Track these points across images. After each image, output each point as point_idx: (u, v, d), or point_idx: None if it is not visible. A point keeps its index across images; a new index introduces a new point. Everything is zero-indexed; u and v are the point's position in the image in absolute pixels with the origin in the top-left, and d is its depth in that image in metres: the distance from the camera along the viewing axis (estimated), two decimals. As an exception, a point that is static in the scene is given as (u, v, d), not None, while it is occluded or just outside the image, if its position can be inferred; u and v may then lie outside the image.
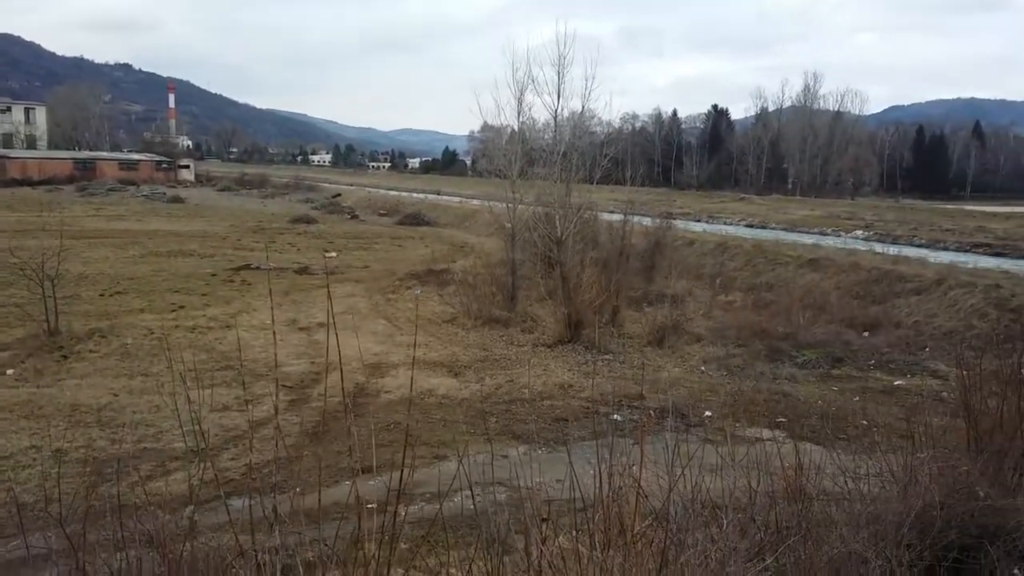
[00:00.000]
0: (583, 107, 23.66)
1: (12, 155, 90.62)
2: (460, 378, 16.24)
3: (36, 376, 15.19)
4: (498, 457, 9.34)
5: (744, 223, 46.61)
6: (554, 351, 18.70)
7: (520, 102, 23.30)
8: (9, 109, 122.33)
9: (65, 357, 16.50)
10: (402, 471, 3.48)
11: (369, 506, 3.71)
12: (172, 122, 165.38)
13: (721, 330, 20.13)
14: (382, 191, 78.80)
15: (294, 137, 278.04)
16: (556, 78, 22.47)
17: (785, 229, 41.66)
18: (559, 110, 23.01)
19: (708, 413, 13.21)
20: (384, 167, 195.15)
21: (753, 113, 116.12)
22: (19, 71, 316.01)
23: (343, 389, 12.23)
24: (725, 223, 46.33)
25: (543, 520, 4.06)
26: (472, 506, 4.03)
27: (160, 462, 11.14)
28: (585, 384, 15.71)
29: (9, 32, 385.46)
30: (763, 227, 43.81)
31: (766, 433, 11.06)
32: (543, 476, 4.97)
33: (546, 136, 26.68)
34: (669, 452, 4.10)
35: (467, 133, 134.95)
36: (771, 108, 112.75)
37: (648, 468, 3.95)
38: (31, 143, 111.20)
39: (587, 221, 25.47)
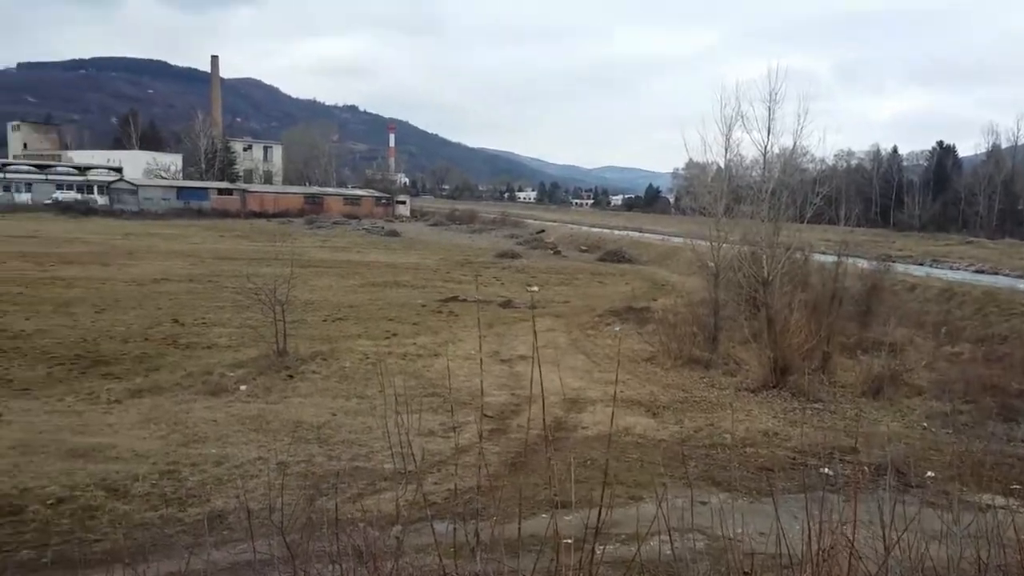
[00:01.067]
0: (794, 143, 22.85)
1: (252, 189, 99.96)
2: (658, 418, 16.01)
3: (265, 393, 16.56)
4: (697, 503, 9.13)
5: (972, 268, 42.90)
6: (758, 396, 18.03)
7: (728, 138, 22.85)
8: (251, 147, 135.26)
9: (291, 377, 17.88)
10: (600, 509, 3.51)
11: (566, 541, 3.75)
12: (392, 160, 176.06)
13: (946, 384, 18.57)
14: (584, 227, 79.66)
15: (502, 174, 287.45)
16: (766, 114, 21.85)
17: (1021, 276, 37.98)
18: (769, 146, 22.33)
19: (930, 474, 12.19)
20: (587, 204, 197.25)
21: (984, 150, 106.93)
22: (260, 113, 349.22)
23: (543, 422, 12.39)
24: (950, 268, 42.87)
25: (745, 574, 3.92)
26: (670, 551, 3.97)
27: (371, 480, 11.75)
28: (791, 433, 15.01)
29: (252, 77, 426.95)
30: (995, 273, 40.12)
31: (998, 500, 10.05)
32: (745, 527, 4.80)
33: (754, 173, 25.98)
34: (885, 513, 3.85)
35: (671, 170, 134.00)
36: (1004, 144, 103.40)
37: (862, 528, 3.73)
38: (268, 179, 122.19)
39: (796, 261, 24.48)
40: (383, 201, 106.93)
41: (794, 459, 13.23)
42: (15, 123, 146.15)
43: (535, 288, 35.50)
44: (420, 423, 13.91)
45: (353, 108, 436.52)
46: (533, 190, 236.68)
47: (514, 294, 32.35)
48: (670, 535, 4.10)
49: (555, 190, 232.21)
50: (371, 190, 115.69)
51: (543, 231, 78.41)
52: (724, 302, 23.51)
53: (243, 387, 16.82)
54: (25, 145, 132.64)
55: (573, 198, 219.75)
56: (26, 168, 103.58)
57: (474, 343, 21.79)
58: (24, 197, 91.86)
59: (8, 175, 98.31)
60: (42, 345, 20.11)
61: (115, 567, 7.27)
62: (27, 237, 51.35)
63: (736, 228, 23.26)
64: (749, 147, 23.27)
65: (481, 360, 18.53)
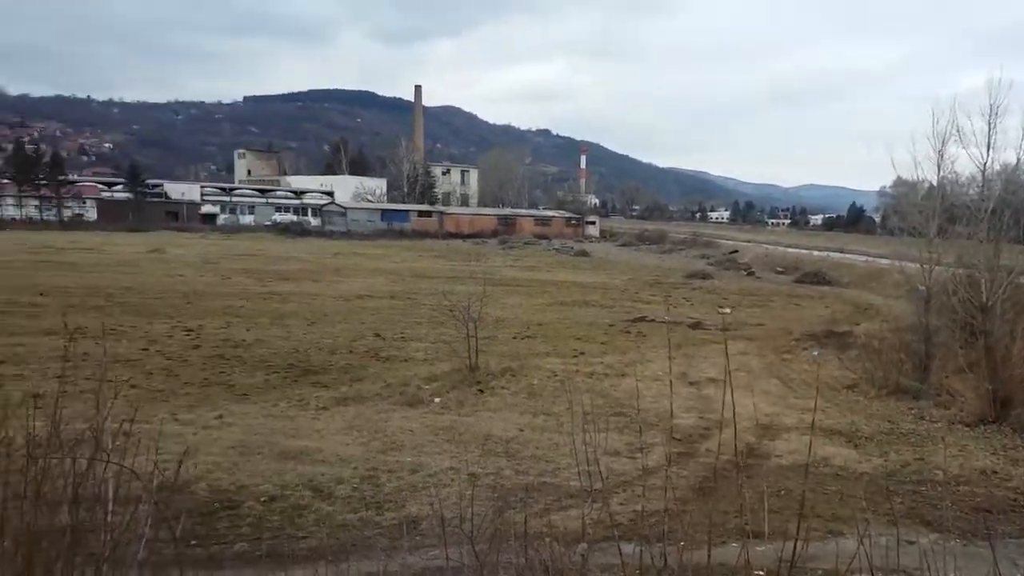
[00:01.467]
0: (1018, 159, 20.91)
1: (449, 211, 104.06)
2: (860, 450, 15.07)
3: (458, 406, 17.12)
4: (903, 542, 8.51)
5: None
6: (974, 431, 16.56)
7: (941, 155, 21.25)
8: (449, 171, 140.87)
9: (481, 391, 18.38)
10: (796, 541, 3.36)
11: (758, 573, 3.61)
12: (582, 181, 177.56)
13: None
14: (780, 248, 76.65)
15: (693, 194, 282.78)
16: (986, 128, 20.14)
17: None
18: (988, 163, 20.57)
19: None
20: (783, 224, 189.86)
21: None
22: (458, 138, 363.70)
23: (735, 447, 12.05)
24: None
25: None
26: (873, 591, 3.73)
27: (557, 496, 11.84)
28: (1013, 472, 13.66)
29: (452, 104, 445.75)
30: None
31: None
32: (958, 571, 4.43)
33: (970, 191, 23.98)
34: None
35: (876, 188, 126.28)
36: None
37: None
38: (464, 201, 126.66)
39: (1021, 286, 22.34)
40: (573, 221, 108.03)
41: (1015, 500, 12.05)
42: (241, 151, 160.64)
43: (727, 310, 34.53)
44: (606, 442, 13.92)
45: (546, 132, 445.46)
46: (726, 210, 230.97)
47: (704, 315, 31.63)
48: (872, 574, 3.85)
49: (749, 210, 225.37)
50: (561, 211, 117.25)
51: (736, 251, 76.29)
52: (936, 328, 21.81)
53: (437, 399, 17.47)
54: (249, 171, 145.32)
55: (769, 218, 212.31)
56: (250, 192, 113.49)
57: (662, 364, 21.48)
58: (248, 219, 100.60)
59: (234, 198, 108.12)
60: (260, 354, 21.84)
61: (320, 563, 7.77)
62: (250, 255, 56.16)
63: (950, 249, 21.56)
64: (965, 164, 21.51)
65: (671, 382, 18.27)
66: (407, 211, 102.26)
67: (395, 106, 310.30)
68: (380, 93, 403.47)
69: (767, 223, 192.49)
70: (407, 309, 31.53)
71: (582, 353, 23.33)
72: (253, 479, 12.34)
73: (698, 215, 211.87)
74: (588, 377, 20.19)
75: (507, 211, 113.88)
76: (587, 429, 9.88)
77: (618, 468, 13.09)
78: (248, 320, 27.31)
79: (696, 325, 29.09)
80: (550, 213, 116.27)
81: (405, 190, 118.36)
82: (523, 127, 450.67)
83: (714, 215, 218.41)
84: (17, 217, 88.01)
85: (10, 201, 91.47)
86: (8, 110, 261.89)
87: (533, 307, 33.47)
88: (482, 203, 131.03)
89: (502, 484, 12.29)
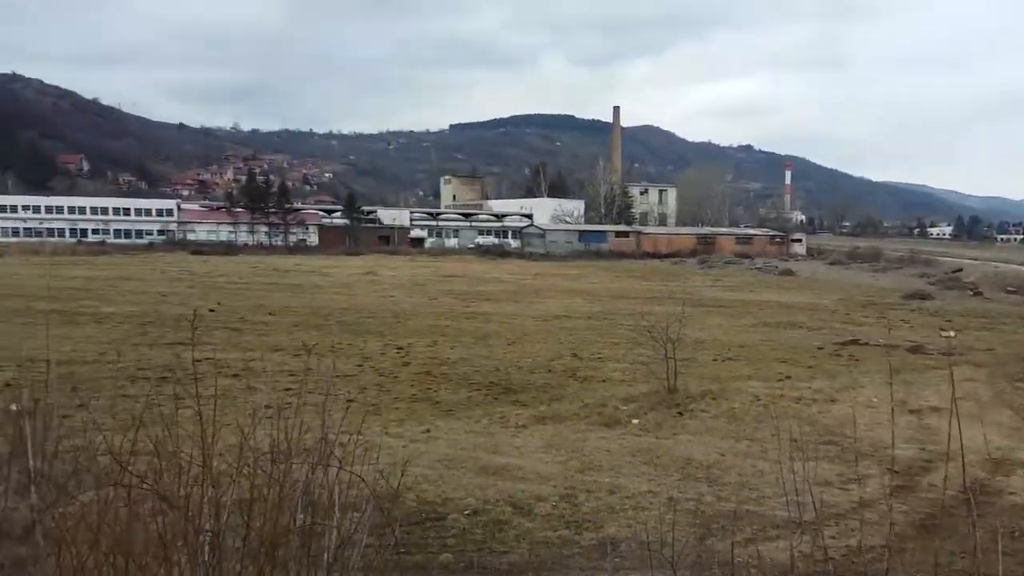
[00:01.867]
0: None
1: (646, 231, 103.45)
2: (1117, 492, 13.39)
3: (656, 428, 16.90)
4: None
5: None
6: None
7: None
8: (647, 191, 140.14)
9: (680, 414, 18.04)
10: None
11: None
12: (787, 198, 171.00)
13: None
14: (1013, 266, 69.90)
15: (912, 209, 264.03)
16: None
17: None
18: None
19: None
20: (1016, 239, 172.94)
21: None
22: (656, 157, 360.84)
23: (964, 482, 11.08)
24: None
25: None
26: None
27: (761, 527, 11.39)
28: None
29: (650, 124, 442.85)
30: None
31: None
32: None
33: None
34: None
35: None
36: None
37: None
38: (662, 220, 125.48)
39: None
40: (777, 239, 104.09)
41: None
42: (447, 177, 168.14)
43: (951, 333, 31.87)
44: (815, 471, 13.24)
45: (748, 147, 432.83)
46: (948, 225, 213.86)
47: (925, 338, 29.37)
48: None
49: (974, 225, 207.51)
50: (764, 228, 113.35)
51: (960, 270, 70.39)
52: None
53: (635, 421, 17.34)
54: (454, 196, 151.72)
55: (998, 233, 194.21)
56: (454, 216, 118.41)
57: (876, 390, 20.16)
58: (452, 242, 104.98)
59: (440, 222, 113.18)
60: (463, 372, 22.64)
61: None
62: (454, 277, 58.52)
63: None
64: None
65: (892, 410, 17.17)
66: (604, 232, 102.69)
67: (593, 128, 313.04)
68: (579, 116, 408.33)
69: (996, 239, 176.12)
70: (604, 329, 31.58)
71: (787, 377, 22.34)
72: (457, 492, 12.77)
73: (916, 231, 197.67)
74: (795, 402, 19.30)
75: (706, 230, 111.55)
76: (794, 456, 9.49)
77: (829, 499, 12.40)
78: (453, 339, 28.40)
79: (916, 349, 27.07)
80: (752, 231, 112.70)
81: (602, 211, 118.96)
82: (723, 143, 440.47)
83: (934, 231, 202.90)
84: (249, 242, 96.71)
85: (244, 228, 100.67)
86: (242, 144, 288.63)
87: (734, 328, 32.50)
88: (680, 222, 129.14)
89: (703, 510, 11.99)
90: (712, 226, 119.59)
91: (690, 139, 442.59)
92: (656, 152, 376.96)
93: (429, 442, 15.68)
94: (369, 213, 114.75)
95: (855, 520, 11.26)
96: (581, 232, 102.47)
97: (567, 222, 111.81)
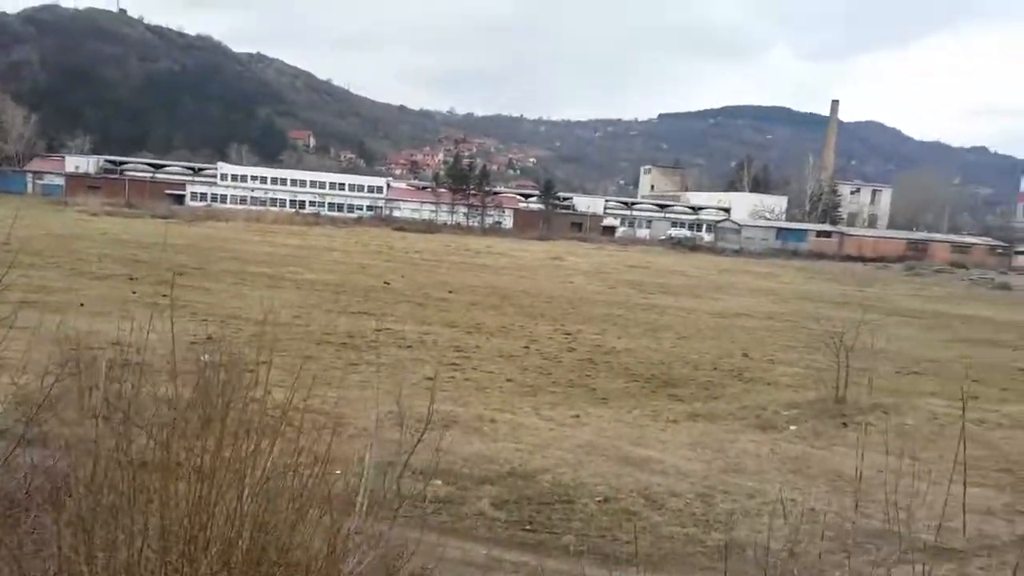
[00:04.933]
0: None
1: (851, 232, 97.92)
2: None
3: (813, 436, 16.26)
4: None
5: None
6: None
7: None
8: (858, 191, 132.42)
9: (844, 425, 17.21)
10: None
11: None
12: (1020, 206, 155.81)
13: None
14: None
15: None
16: None
17: None
18: None
19: None
20: None
21: None
22: (876, 156, 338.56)
23: None
24: None
25: None
26: None
27: (901, 549, 10.81)
28: None
29: (874, 120, 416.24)
30: None
31: None
32: None
33: None
34: None
35: None
36: None
37: None
38: (871, 222, 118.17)
39: None
40: (999, 250, 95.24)
41: None
42: (647, 167, 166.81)
43: None
44: (980, 499, 12.31)
45: (981, 149, 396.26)
46: None
47: None
48: None
49: None
50: (987, 238, 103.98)
51: None
52: None
53: (792, 427, 16.76)
54: (652, 186, 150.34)
55: None
56: (649, 206, 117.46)
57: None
58: (643, 232, 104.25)
59: (634, 212, 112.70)
60: (626, 363, 22.69)
61: (639, 569, 8.04)
62: (639, 267, 58.26)
63: None
64: None
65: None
66: (804, 230, 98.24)
67: (809, 121, 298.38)
68: (795, 108, 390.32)
69: None
70: (783, 332, 30.46)
71: (975, 397, 20.64)
72: (592, 479, 12.97)
73: None
74: (976, 424, 17.86)
75: (918, 235, 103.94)
76: (955, 479, 9.01)
77: (988, 529, 11.55)
78: (622, 329, 28.45)
79: None
80: (971, 240, 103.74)
81: (806, 209, 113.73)
82: (955, 144, 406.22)
83: None
84: (448, 222, 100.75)
85: (445, 208, 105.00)
86: (456, 127, 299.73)
87: (928, 341, 30.30)
88: (893, 225, 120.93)
89: (842, 525, 11.50)
90: (928, 231, 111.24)
91: (917, 137, 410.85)
92: (876, 150, 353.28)
93: (576, 427, 15.95)
94: (565, 199, 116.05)
95: (1012, 555, 10.45)
96: (779, 229, 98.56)
97: (766, 218, 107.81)
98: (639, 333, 27.79)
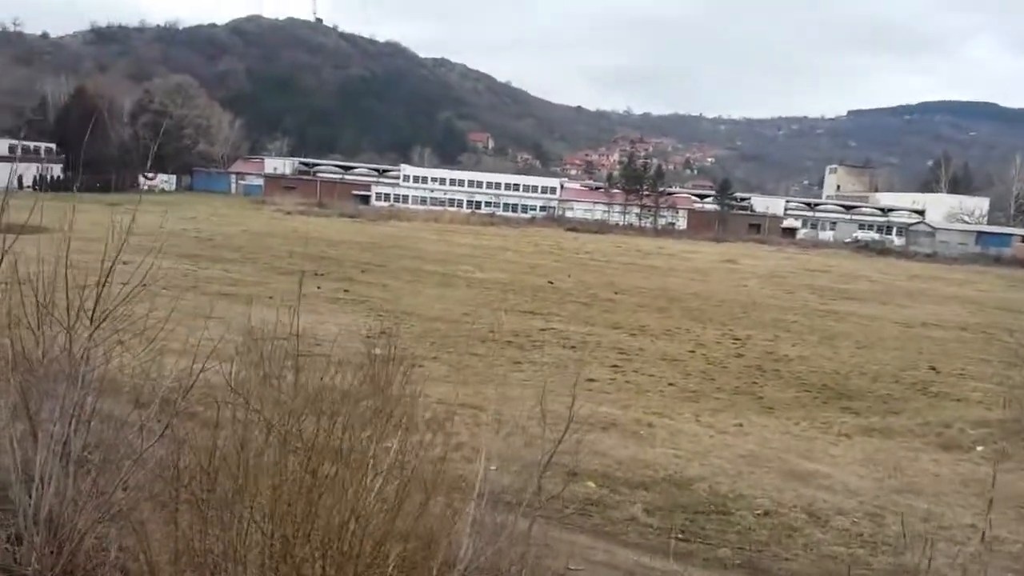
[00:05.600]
0: None
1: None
2: None
3: (1002, 459, 14.99)
4: None
5: None
6: None
7: None
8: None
9: (1039, 449, 15.80)
10: None
11: None
12: None
13: None
14: None
15: None
16: None
17: None
18: None
19: None
20: None
21: None
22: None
23: None
24: None
25: None
26: None
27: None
28: None
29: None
30: None
31: None
32: None
33: None
34: None
35: None
36: None
37: None
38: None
39: None
40: None
41: None
42: (833, 166, 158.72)
43: None
44: None
45: None
46: None
47: None
48: None
49: None
50: None
51: None
52: None
53: (979, 448, 15.54)
54: (838, 187, 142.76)
55: None
56: (833, 207, 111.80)
57: None
58: (827, 235, 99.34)
59: (817, 213, 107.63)
60: (797, 371, 21.80)
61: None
62: (819, 271, 55.60)
63: None
64: None
65: None
66: (1008, 235, 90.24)
67: (1018, 118, 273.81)
68: (1002, 104, 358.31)
69: None
70: (976, 344, 28.21)
71: None
72: (752, 490, 12.58)
73: None
74: None
75: None
76: None
77: None
78: (796, 336, 27.33)
79: None
80: None
81: (1011, 212, 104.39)
82: None
83: None
84: (620, 223, 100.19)
85: (617, 209, 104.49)
86: (632, 127, 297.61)
87: None
88: None
89: (1028, 557, 10.58)
90: None
91: None
92: None
93: (738, 436, 15.51)
94: (743, 200, 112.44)
95: None
96: (980, 233, 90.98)
97: (965, 221, 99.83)
98: (815, 341, 26.60)
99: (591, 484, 12.04)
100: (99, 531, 5.05)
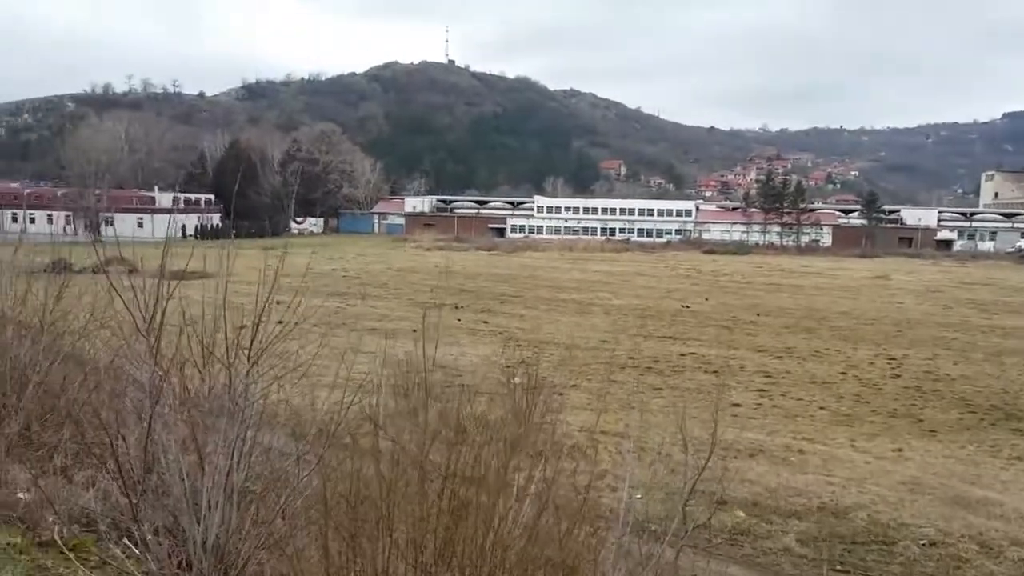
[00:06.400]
0: None
1: None
2: None
3: None
4: None
5: None
6: None
7: None
8: None
9: None
10: None
11: None
12: None
13: None
14: None
15: None
16: None
17: None
18: None
19: None
20: None
21: None
22: None
23: None
24: None
25: None
26: None
27: None
28: None
29: None
30: None
31: None
32: None
33: None
34: None
35: None
36: None
37: None
38: None
39: None
40: None
41: None
42: (989, 173, 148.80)
43: None
44: None
45: None
46: None
47: None
48: None
49: None
50: None
51: None
52: None
53: None
54: (996, 194, 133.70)
55: None
56: (992, 216, 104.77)
57: None
58: (987, 246, 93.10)
59: (974, 223, 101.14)
60: (961, 391, 20.46)
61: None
62: (981, 285, 52.12)
63: None
64: None
65: None
66: None
67: None
68: None
69: None
70: None
71: None
72: (916, 519, 11.88)
73: None
74: None
75: None
76: None
77: None
78: (958, 354, 25.67)
79: None
80: None
81: None
82: None
83: None
84: (760, 242, 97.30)
85: (756, 228, 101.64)
86: (768, 144, 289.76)
87: None
88: None
89: None
90: None
91: None
92: None
93: (898, 462, 14.70)
94: (891, 213, 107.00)
95: None
96: None
97: None
98: (979, 359, 24.90)
99: (740, 513, 11.69)
100: (260, 558, 5.34)
